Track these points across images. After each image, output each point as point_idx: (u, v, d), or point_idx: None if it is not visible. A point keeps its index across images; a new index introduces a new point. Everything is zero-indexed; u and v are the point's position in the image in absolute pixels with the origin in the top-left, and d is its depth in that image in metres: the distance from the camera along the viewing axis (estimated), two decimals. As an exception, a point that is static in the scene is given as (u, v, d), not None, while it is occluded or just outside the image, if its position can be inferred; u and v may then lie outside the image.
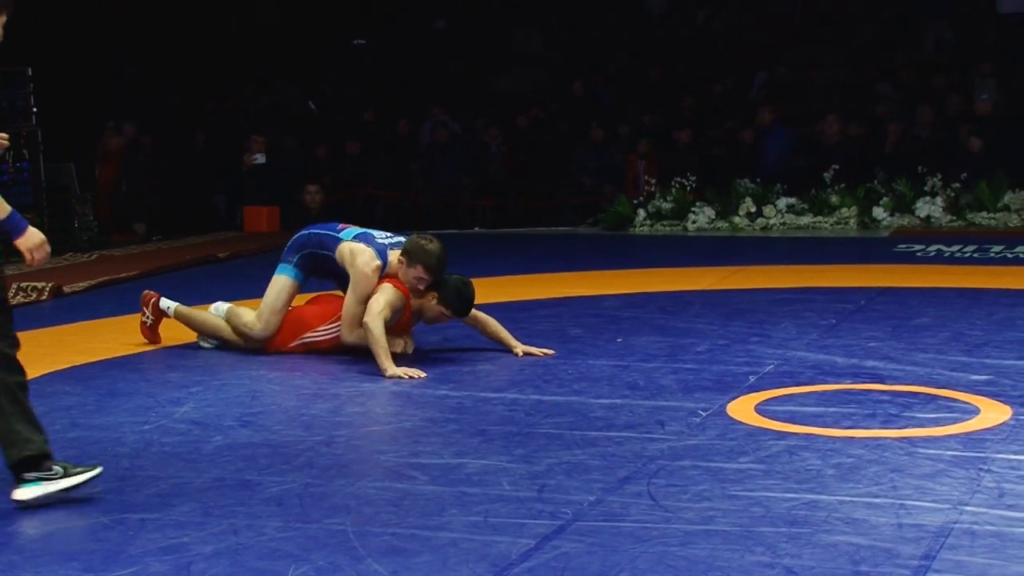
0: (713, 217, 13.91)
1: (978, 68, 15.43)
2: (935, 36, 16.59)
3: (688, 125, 15.40)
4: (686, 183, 14.12)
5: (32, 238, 4.63)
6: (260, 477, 5.08)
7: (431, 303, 7.10)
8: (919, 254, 11.39)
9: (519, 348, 7.30)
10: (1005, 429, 5.55)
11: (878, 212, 13.54)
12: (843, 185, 13.82)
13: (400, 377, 6.74)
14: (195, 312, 7.74)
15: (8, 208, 4.59)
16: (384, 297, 6.98)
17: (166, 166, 15.47)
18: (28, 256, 4.65)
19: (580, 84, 16.60)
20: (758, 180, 13.98)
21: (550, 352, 7.28)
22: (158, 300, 7.72)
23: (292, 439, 5.65)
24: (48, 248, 4.70)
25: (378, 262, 7.07)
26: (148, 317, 7.74)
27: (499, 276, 10.33)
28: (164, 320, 7.74)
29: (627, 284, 9.84)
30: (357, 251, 7.12)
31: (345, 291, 7.24)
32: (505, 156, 15.97)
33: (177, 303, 7.73)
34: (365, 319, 6.91)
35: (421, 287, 7.04)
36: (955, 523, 4.37)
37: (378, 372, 6.83)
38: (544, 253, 12.35)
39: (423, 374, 6.79)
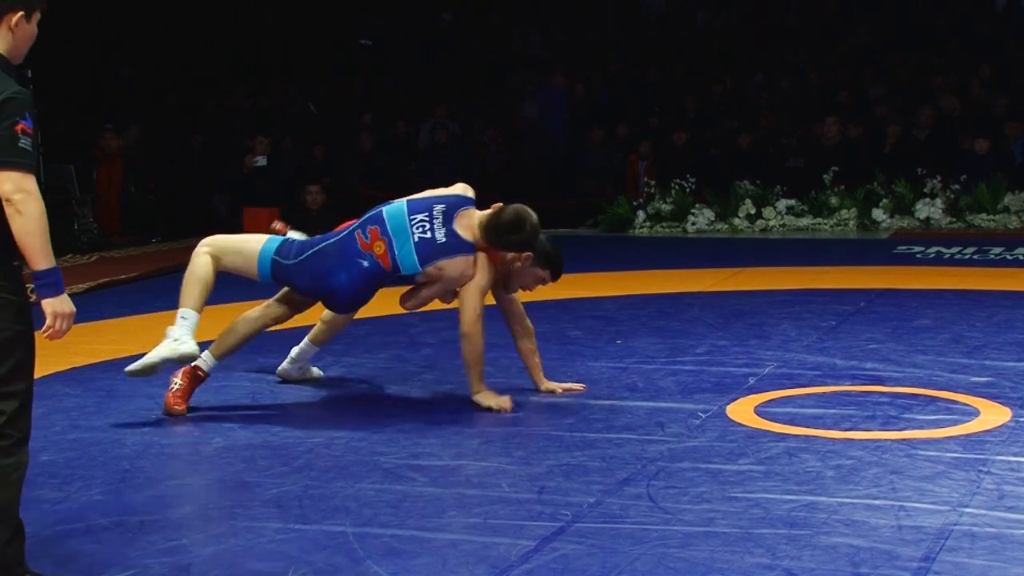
0: (712, 219, 13.91)
1: (977, 69, 15.43)
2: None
3: (687, 126, 15.39)
4: (685, 185, 14.12)
5: (64, 305, 4.00)
6: (259, 479, 5.08)
7: (524, 265, 6.32)
8: (919, 256, 11.38)
9: (543, 385, 6.47)
10: (1005, 431, 5.55)
11: (877, 214, 13.54)
12: (843, 187, 13.82)
13: (490, 407, 6.07)
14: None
15: (53, 261, 4.01)
16: (478, 286, 6.17)
17: (165, 167, 15.45)
18: (51, 320, 4.01)
19: (581, 86, 16.59)
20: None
21: (577, 387, 6.48)
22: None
23: (291, 440, 5.65)
24: (72, 324, 4.05)
25: (468, 257, 6.17)
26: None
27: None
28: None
29: (626, 286, 9.84)
30: (453, 267, 6.16)
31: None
32: (505, 156, 15.96)
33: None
34: (465, 329, 6.10)
35: (532, 288, 6.51)
36: (955, 525, 4.37)
37: (377, 372, 6.82)
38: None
39: (511, 407, 6.09)
